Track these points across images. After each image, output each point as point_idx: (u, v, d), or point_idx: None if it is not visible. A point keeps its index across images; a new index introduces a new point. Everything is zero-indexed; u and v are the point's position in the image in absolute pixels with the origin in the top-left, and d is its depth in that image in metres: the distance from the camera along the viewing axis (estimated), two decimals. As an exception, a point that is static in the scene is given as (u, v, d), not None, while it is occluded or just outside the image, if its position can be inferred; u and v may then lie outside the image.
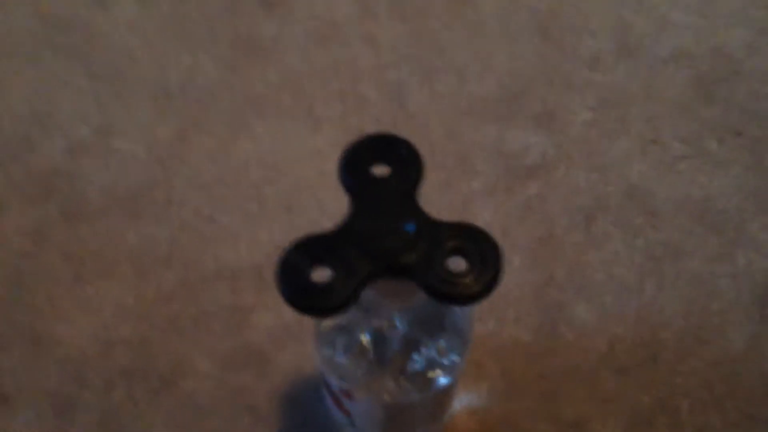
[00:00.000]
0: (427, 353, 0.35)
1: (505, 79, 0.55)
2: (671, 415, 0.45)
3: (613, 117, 0.54)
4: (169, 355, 0.46)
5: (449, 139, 0.53)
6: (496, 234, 0.28)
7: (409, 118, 0.54)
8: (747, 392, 0.46)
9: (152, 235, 0.49)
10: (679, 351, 0.47)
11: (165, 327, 0.47)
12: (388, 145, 0.28)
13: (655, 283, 0.49)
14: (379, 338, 0.35)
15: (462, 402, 0.45)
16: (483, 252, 0.26)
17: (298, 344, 0.46)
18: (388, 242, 0.27)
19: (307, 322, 0.46)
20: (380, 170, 0.28)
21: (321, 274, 0.26)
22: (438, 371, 0.36)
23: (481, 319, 0.47)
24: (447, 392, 0.39)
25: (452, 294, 0.26)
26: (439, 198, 0.51)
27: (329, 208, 0.50)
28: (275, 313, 0.47)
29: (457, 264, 0.27)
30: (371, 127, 0.53)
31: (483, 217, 0.51)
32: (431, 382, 0.36)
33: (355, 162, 0.28)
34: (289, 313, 0.46)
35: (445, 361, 0.36)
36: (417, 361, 0.35)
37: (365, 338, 0.35)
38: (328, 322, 0.35)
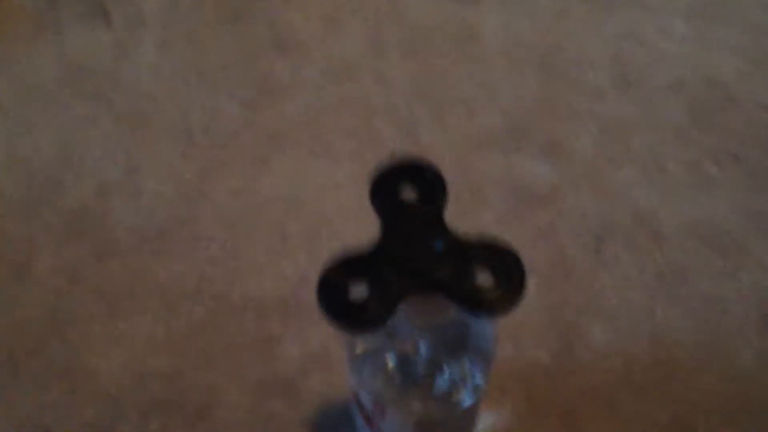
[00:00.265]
0: (451, 375, 0.37)
1: (511, 112, 0.58)
2: (688, 431, 0.47)
3: (616, 145, 0.56)
4: (202, 386, 0.47)
5: (461, 170, 0.55)
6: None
7: (422, 151, 0.56)
8: (759, 406, 0.47)
9: (180, 271, 0.51)
10: (693, 369, 0.48)
11: (196, 359, 0.48)
12: (414, 170, 0.31)
13: (665, 304, 0.50)
14: (404, 362, 0.36)
15: (485, 423, 0.47)
16: (508, 266, 0.28)
17: (324, 372, 0.48)
18: (420, 260, 0.29)
19: (333, 349, 0.48)
20: (408, 194, 0.30)
21: (357, 292, 0.28)
22: (462, 392, 0.37)
23: (500, 343, 0.49)
24: (471, 412, 0.40)
25: (482, 306, 0.28)
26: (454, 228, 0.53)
27: (349, 239, 0.51)
28: (301, 343, 0.49)
29: (485, 279, 0.29)
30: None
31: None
32: (456, 402, 0.37)
33: (384, 186, 0.30)
34: (315, 342, 0.48)
35: (469, 383, 0.37)
36: (441, 383, 0.37)
37: (392, 363, 0.36)
38: (360, 348, 0.37)
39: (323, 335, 0.48)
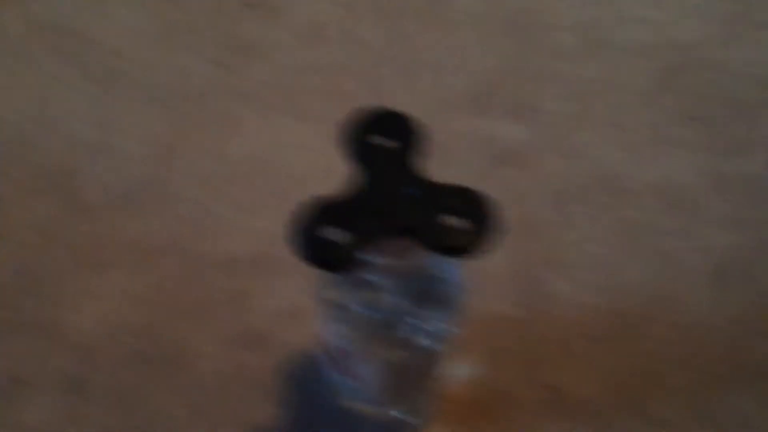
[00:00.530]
0: (414, 321, 0.38)
1: (479, 74, 0.59)
2: (643, 377, 0.49)
3: (581, 106, 0.58)
4: (175, 339, 0.48)
5: (429, 131, 0.56)
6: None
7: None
8: (711, 352, 0.50)
9: (152, 228, 0.52)
10: (648, 318, 0.51)
11: (168, 313, 0.49)
12: (385, 117, 0.32)
13: (624, 258, 0.53)
14: (370, 310, 0.38)
15: (456, 373, 0.48)
16: (478, 209, 0.30)
17: (294, 325, 0.49)
18: (391, 203, 0.30)
19: (303, 304, 0.49)
20: (379, 141, 0.32)
21: (329, 233, 0.30)
22: (424, 337, 0.39)
23: (472, 294, 0.51)
24: (434, 356, 0.42)
25: (451, 248, 0.29)
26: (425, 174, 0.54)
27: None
28: (272, 297, 0.50)
29: (455, 222, 0.30)
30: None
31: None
32: (417, 347, 0.38)
33: (355, 132, 0.31)
34: (285, 297, 0.49)
35: (431, 328, 0.39)
36: (404, 328, 0.38)
37: (358, 311, 0.38)
38: (328, 297, 0.38)
39: (293, 290, 0.49)
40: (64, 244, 0.51)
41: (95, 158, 0.54)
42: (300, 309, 0.49)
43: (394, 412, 0.47)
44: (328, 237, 0.29)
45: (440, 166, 0.56)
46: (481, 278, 0.49)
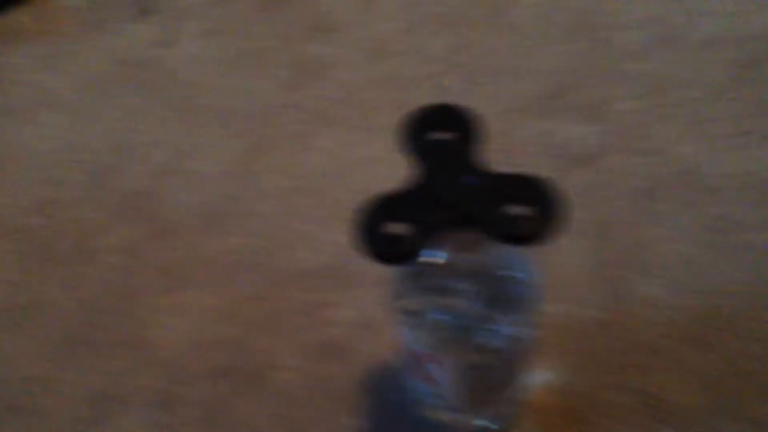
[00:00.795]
0: (489, 324, 0.38)
1: (546, 77, 0.58)
2: (739, 378, 0.46)
3: (653, 103, 0.56)
4: (260, 352, 0.49)
5: (500, 136, 0.56)
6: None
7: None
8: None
9: (233, 245, 0.53)
10: (742, 317, 0.48)
11: (252, 327, 0.50)
12: (441, 112, 0.32)
13: (715, 256, 0.50)
14: (445, 315, 0.37)
15: (541, 380, 0.47)
16: (543, 196, 0.29)
17: (373, 335, 0.49)
18: (453, 195, 0.30)
19: (381, 314, 0.49)
20: (439, 136, 0.32)
21: (393, 227, 0.30)
22: (500, 340, 0.38)
23: (554, 300, 0.49)
24: (512, 359, 0.41)
25: (514, 235, 0.29)
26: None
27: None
28: (351, 308, 0.50)
29: (520, 210, 0.29)
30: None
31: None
32: (494, 350, 0.38)
33: (413, 129, 0.31)
34: (363, 308, 0.49)
35: (506, 331, 0.38)
36: (480, 332, 0.38)
37: (435, 317, 0.38)
38: (405, 306, 0.38)
39: (369, 301, 0.49)
40: (148, 264, 0.53)
41: (175, 181, 0.56)
42: (376, 320, 0.49)
43: (476, 421, 0.46)
44: (392, 231, 0.29)
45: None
46: (564, 283, 0.49)
